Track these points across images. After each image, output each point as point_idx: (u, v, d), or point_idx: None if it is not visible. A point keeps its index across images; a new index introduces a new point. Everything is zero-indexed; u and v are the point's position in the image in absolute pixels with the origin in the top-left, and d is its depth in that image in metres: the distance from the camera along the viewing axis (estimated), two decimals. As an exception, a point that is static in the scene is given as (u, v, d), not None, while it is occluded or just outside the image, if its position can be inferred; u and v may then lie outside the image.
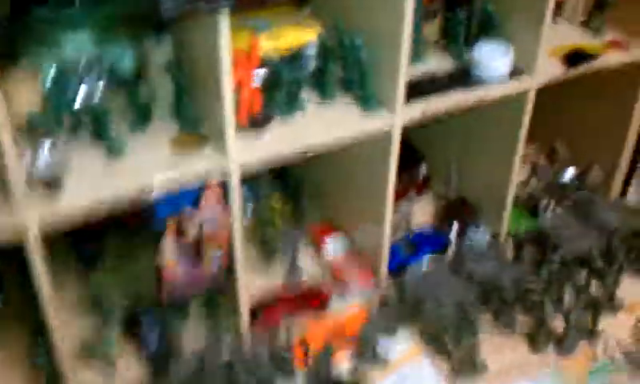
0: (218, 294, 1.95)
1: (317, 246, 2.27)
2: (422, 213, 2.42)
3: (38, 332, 2.15)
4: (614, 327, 2.07)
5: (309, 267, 2.22)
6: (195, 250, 1.74)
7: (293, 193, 2.34)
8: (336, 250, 2.24)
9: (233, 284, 1.89)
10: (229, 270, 1.82)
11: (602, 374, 1.92)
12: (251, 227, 2.19)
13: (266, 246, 2.23)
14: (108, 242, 2.37)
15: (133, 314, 2.25)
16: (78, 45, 1.69)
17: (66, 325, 1.89)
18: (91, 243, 2.37)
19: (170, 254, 1.74)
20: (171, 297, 1.79)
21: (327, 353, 1.85)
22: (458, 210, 2.34)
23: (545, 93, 2.06)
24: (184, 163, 1.70)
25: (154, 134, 1.81)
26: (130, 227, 2.27)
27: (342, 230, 2.29)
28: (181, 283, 1.77)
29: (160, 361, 2.08)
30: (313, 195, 2.39)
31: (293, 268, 2.16)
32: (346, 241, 2.27)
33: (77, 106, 1.68)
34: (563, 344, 1.96)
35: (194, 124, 1.79)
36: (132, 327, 2.24)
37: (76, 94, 1.68)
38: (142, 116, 1.80)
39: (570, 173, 2.44)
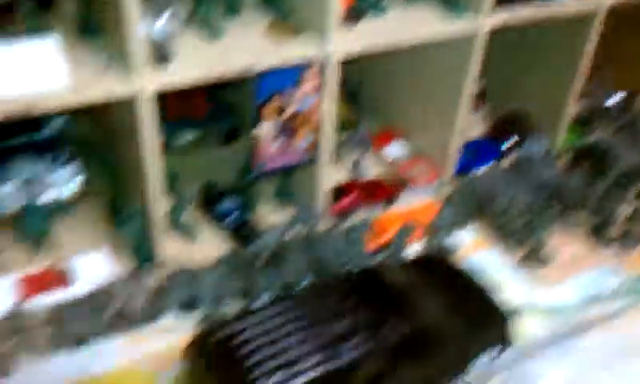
0: (304, 172, 2.00)
1: (379, 149, 2.34)
2: (476, 125, 2.50)
3: (121, 208, 2.23)
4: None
5: (372, 168, 2.29)
6: (289, 129, 1.79)
7: (353, 99, 2.40)
8: (399, 153, 2.30)
9: (316, 165, 1.95)
10: (314, 152, 1.88)
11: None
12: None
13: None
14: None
15: (213, 193, 2.32)
16: None
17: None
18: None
19: (267, 128, 1.79)
20: (261, 168, 1.84)
21: (402, 234, 1.92)
22: (515, 122, 2.42)
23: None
24: (283, 48, 1.75)
25: (248, 21, 1.86)
26: (202, 118, 2.31)
27: (404, 135, 2.36)
28: (273, 156, 1.83)
29: (240, 235, 2.15)
30: (372, 102, 2.45)
31: (357, 167, 2.23)
32: (409, 145, 2.34)
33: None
34: (624, 242, 2.05)
35: (287, 13, 1.85)
36: (212, 205, 2.30)
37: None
38: (234, 2, 1.85)
39: (618, 97, 2.53)
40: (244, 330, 1.67)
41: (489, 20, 1.92)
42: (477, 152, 2.33)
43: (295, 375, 1.58)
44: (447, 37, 1.93)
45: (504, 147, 2.35)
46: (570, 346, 1.67)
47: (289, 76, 1.76)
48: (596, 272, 2.00)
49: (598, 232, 2.07)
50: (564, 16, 2.06)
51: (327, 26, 1.73)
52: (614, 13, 2.17)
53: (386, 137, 2.40)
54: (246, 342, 1.65)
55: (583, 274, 2.00)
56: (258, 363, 1.59)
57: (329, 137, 1.92)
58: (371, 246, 2.02)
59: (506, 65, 2.49)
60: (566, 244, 2.09)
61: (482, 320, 1.62)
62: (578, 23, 2.11)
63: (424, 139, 2.30)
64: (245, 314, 1.72)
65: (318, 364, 1.58)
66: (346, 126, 2.31)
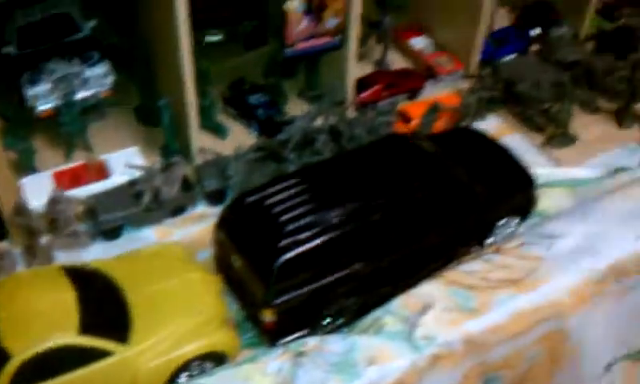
0: (331, 62, 2.03)
1: (404, 45, 2.35)
2: (505, 15, 2.49)
3: (152, 106, 2.30)
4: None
5: (398, 64, 2.32)
6: (317, 7, 1.83)
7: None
8: (424, 46, 2.32)
9: (343, 51, 1.98)
10: (342, 35, 1.92)
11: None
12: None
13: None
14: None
15: (242, 88, 2.38)
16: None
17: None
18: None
19: (295, 3, 1.84)
20: (291, 52, 1.89)
21: (429, 114, 1.96)
22: (541, 10, 2.41)
23: None
24: None
25: None
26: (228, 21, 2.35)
27: (429, 29, 2.37)
28: (302, 35, 1.88)
29: (269, 127, 2.22)
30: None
31: (382, 59, 2.26)
32: (432, 39, 2.35)
33: None
34: (646, 121, 2.06)
35: None
36: (242, 99, 2.37)
37: None
38: None
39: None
40: (276, 192, 1.74)
41: None
42: (503, 41, 2.35)
43: (323, 231, 1.64)
44: None
45: (531, 35, 2.35)
46: (590, 208, 1.71)
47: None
48: (619, 150, 2.03)
49: (621, 113, 2.08)
50: None
51: None
52: None
53: (411, 30, 2.41)
54: (279, 203, 1.72)
55: (606, 152, 2.04)
56: (291, 220, 1.68)
57: (356, 19, 1.95)
58: (399, 131, 2.06)
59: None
60: (590, 124, 2.11)
61: (508, 185, 1.67)
62: None
63: (449, 32, 2.33)
64: (275, 181, 1.79)
65: (343, 221, 1.64)
66: (372, 19, 2.33)
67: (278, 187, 1.78)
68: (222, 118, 2.32)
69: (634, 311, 1.71)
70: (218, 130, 2.30)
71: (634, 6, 2.50)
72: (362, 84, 2.24)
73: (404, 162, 1.72)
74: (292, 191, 1.76)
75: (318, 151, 2.08)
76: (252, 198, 1.81)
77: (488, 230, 1.71)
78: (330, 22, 1.89)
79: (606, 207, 1.74)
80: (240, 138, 2.22)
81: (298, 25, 1.87)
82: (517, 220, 1.73)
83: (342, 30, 1.91)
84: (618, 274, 1.71)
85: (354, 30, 1.94)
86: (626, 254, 1.67)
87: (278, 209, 1.73)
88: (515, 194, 1.69)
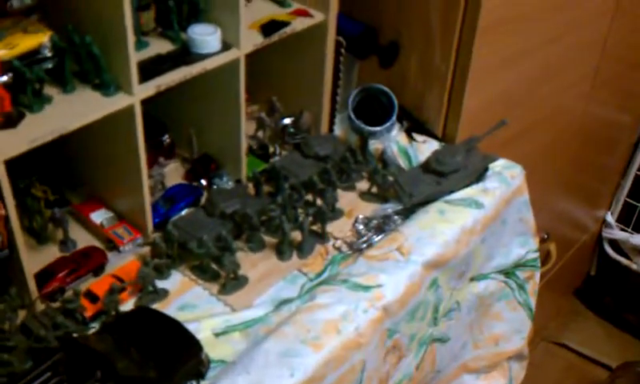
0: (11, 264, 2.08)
1: (86, 220, 2.54)
2: (174, 174, 2.79)
3: None
4: (339, 229, 2.63)
5: (81, 240, 2.49)
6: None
7: (52, 178, 2.57)
8: (104, 220, 2.53)
9: (16, 265, 2.10)
10: (10, 252, 2.02)
11: (334, 264, 2.47)
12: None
13: (38, 232, 2.45)
14: None
15: None
16: None
17: None
18: None
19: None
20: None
21: (110, 296, 2.15)
22: (203, 165, 2.76)
23: (255, 60, 2.44)
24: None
25: None
26: None
27: (106, 202, 2.59)
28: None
29: None
30: (73, 179, 2.65)
31: (66, 243, 2.41)
32: (111, 211, 2.57)
33: None
34: (302, 249, 2.48)
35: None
36: None
37: None
38: None
39: (287, 120, 2.97)
40: None
41: (138, 95, 2.19)
42: (174, 199, 2.62)
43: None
44: (108, 116, 2.17)
45: (199, 189, 2.67)
46: (253, 355, 2.02)
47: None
48: (282, 282, 2.38)
49: (280, 247, 2.46)
50: (211, 71, 2.39)
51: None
52: (268, 51, 2.50)
53: (91, 205, 2.59)
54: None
55: (272, 286, 2.38)
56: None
57: (18, 229, 2.07)
58: (89, 313, 2.23)
59: (186, 119, 2.80)
60: (258, 262, 2.46)
61: (176, 361, 1.90)
62: (228, 71, 2.41)
63: (121, 202, 2.54)
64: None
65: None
66: (50, 203, 2.48)
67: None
68: None
69: None
70: None
71: (281, 144, 2.96)
72: (45, 274, 2.34)
73: (78, 371, 1.86)
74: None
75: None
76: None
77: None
78: (-6, 245, 2.00)
79: (267, 349, 2.06)
80: None
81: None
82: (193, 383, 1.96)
83: (6, 243, 2.03)
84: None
85: (19, 236, 2.06)
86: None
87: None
88: (185, 365, 1.92)
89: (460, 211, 2.57)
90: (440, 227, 2.47)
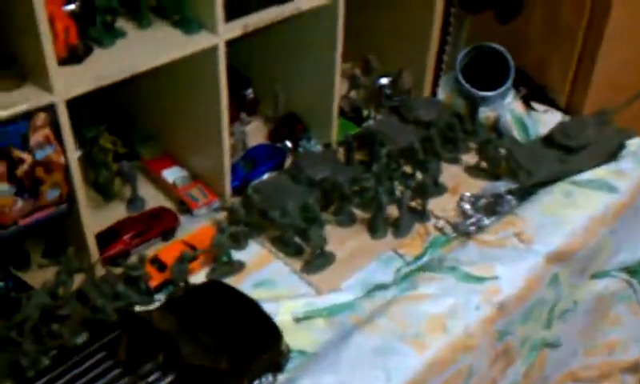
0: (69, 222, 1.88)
1: (157, 177, 2.27)
2: (256, 133, 2.49)
3: None
4: (441, 207, 2.27)
5: (151, 199, 2.23)
6: (31, 183, 1.67)
7: (123, 129, 2.32)
8: (177, 178, 2.26)
9: (76, 221, 1.86)
10: (69, 206, 1.78)
11: (436, 247, 2.12)
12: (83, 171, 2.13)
13: (103, 187, 2.19)
14: None
15: None
16: None
17: None
18: None
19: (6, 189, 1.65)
20: (14, 229, 1.70)
21: (180, 265, 1.87)
22: (289, 125, 2.44)
23: (350, 12, 2.13)
24: (5, 100, 1.63)
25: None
26: None
27: (181, 159, 2.32)
28: (21, 214, 1.69)
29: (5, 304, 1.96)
30: (145, 131, 2.38)
31: (133, 201, 2.16)
32: (186, 170, 2.30)
33: None
34: (399, 227, 2.13)
35: (8, 62, 1.72)
36: None
37: None
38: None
39: (384, 80, 2.62)
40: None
41: (225, 33, 1.90)
42: (256, 161, 2.33)
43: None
44: (186, 56, 1.89)
45: (284, 151, 2.37)
46: (341, 349, 1.70)
47: (14, 130, 1.64)
48: (374, 264, 2.05)
49: (373, 223, 2.13)
50: (303, 11, 2.07)
51: (46, 70, 1.62)
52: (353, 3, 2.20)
53: (163, 162, 2.33)
54: None
55: (362, 268, 2.05)
56: None
57: (79, 181, 1.83)
58: (154, 282, 1.97)
59: (272, 72, 2.50)
60: (346, 239, 2.14)
61: (252, 351, 1.59)
62: (323, 17, 2.13)
63: (197, 161, 2.26)
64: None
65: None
66: (119, 157, 2.23)
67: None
68: None
69: None
70: None
71: (377, 106, 2.62)
72: (109, 235, 2.07)
73: (137, 349, 1.59)
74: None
75: (66, 322, 1.90)
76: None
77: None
78: (51, 193, 1.75)
79: (359, 344, 1.74)
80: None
81: (12, 207, 1.71)
82: (270, 377, 1.67)
83: (65, 196, 1.78)
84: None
85: (81, 190, 1.82)
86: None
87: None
88: (262, 356, 1.62)
89: (589, 195, 2.17)
90: (566, 213, 2.08)
